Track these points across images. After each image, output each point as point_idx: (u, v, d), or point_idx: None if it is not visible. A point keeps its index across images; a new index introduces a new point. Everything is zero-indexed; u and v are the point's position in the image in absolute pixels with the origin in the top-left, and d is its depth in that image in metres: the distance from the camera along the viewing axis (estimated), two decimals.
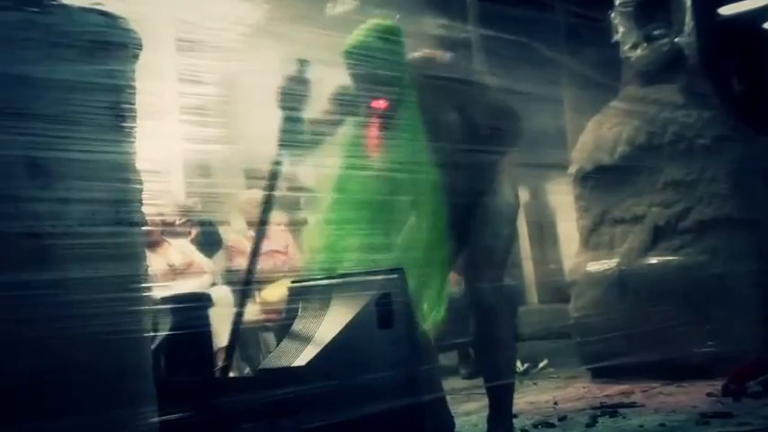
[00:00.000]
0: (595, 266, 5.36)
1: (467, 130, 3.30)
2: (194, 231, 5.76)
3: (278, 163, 3.45)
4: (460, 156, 3.27)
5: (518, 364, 6.06)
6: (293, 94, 3.34)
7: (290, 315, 3.00)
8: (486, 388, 3.42)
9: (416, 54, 3.41)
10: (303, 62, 3.35)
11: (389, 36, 3.35)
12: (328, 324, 2.82)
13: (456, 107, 3.31)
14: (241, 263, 5.84)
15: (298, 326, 2.91)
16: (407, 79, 3.31)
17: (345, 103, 3.43)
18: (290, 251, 5.97)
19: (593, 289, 5.32)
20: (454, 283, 3.79)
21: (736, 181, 5.02)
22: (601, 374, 5.16)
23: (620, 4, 5.56)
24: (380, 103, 3.34)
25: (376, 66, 3.29)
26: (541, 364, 6.09)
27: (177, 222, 5.59)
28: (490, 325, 3.35)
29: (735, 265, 4.90)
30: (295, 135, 3.42)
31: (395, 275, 2.93)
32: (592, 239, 5.49)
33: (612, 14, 5.60)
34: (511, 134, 3.42)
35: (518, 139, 3.46)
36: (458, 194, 3.29)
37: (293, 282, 3.24)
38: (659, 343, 4.84)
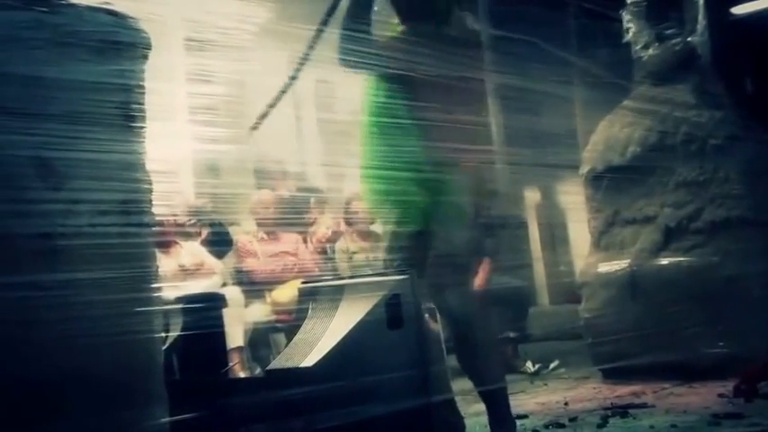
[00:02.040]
0: (607, 267, 5.34)
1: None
2: (205, 232, 5.76)
3: None
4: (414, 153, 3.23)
5: (529, 364, 6.06)
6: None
7: (301, 316, 3.00)
8: (478, 393, 3.38)
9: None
10: None
11: None
12: (338, 325, 2.82)
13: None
14: (251, 263, 5.86)
15: (307, 326, 2.91)
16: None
17: None
18: (299, 252, 5.97)
19: (605, 290, 5.30)
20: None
21: (748, 181, 4.99)
22: (612, 375, 5.13)
23: (632, 3, 5.54)
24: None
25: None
26: (552, 365, 6.07)
27: (188, 223, 5.59)
28: (465, 332, 3.30)
29: (747, 265, 4.87)
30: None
31: (404, 277, 2.92)
32: (603, 240, 5.47)
33: (624, 14, 5.58)
34: (475, 129, 3.35)
35: (482, 136, 3.42)
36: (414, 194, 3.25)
37: (303, 282, 3.23)
38: (670, 344, 4.81)
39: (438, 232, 3.28)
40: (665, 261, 5.11)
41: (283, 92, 3.44)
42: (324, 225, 6.14)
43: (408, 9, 3.40)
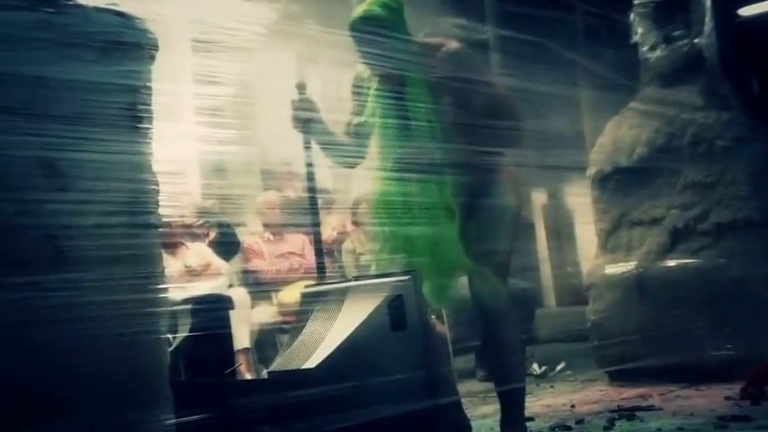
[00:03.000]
0: (613, 269, 5.33)
1: (465, 126, 3.28)
2: (212, 233, 5.76)
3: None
4: (458, 154, 3.25)
5: (535, 366, 6.05)
6: (304, 118, 3.38)
7: (306, 317, 3.00)
8: (497, 392, 3.40)
9: (427, 39, 3.40)
10: (301, 86, 3.40)
11: (392, 6, 3.34)
12: (341, 326, 2.82)
13: (456, 101, 3.30)
14: (257, 264, 5.86)
15: (310, 328, 2.91)
16: (414, 60, 3.31)
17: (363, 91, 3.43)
18: (306, 253, 5.97)
19: (612, 292, 5.29)
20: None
21: (755, 183, 4.98)
22: (618, 377, 5.12)
23: (639, 4, 5.53)
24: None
25: (381, 36, 3.29)
26: (559, 367, 6.06)
27: (196, 224, 5.60)
28: (495, 329, 3.33)
29: (754, 267, 4.85)
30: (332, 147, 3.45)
31: (407, 278, 2.92)
32: (610, 242, 5.46)
33: (631, 15, 5.57)
34: (511, 134, 3.38)
35: (519, 140, 3.43)
36: (457, 195, 3.28)
37: (307, 285, 3.24)
38: (677, 346, 4.80)
39: (484, 230, 3.31)
40: (671, 263, 5.09)
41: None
42: (329, 226, 6.13)
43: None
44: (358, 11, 3.34)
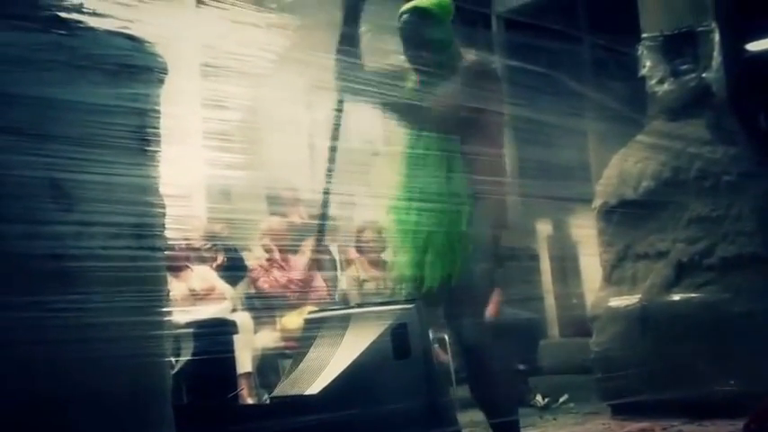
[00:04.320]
0: (618, 302, 5.31)
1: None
2: (220, 257, 5.76)
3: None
4: (434, 183, 3.26)
5: (539, 397, 6.02)
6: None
7: (309, 343, 2.99)
8: (490, 425, 3.37)
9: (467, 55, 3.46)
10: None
11: (444, 10, 3.43)
12: (344, 353, 2.81)
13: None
14: (261, 289, 5.86)
15: (313, 354, 2.91)
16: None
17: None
18: (311, 278, 5.96)
19: (616, 324, 5.27)
20: None
21: (761, 219, 4.97)
22: (621, 411, 5.09)
23: (648, 38, 5.55)
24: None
25: (428, 33, 3.38)
26: (561, 399, 6.02)
27: (203, 248, 5.60)
28: (477, 362, 3.30)
29: (759, 303, 4.83)
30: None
31: (411, 306, 2.92)
32: (614, 274, 5.44)
33: (639, 48, 5.59)
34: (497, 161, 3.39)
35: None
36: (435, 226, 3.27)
37: (311, 311, 3.24)
38: (681, 381, 4.77)
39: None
40: (676, 297, 5.08)
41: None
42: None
43: (415, 59, 3.46)
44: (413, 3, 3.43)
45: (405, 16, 3.44)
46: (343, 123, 3.61)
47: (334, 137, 3.51)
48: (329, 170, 3.47)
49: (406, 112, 3.39)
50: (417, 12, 3.42)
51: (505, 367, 3.54)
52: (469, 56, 3.45)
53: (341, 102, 3.57)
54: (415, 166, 3.35)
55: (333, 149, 3.45)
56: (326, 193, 3.49)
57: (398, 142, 3.44)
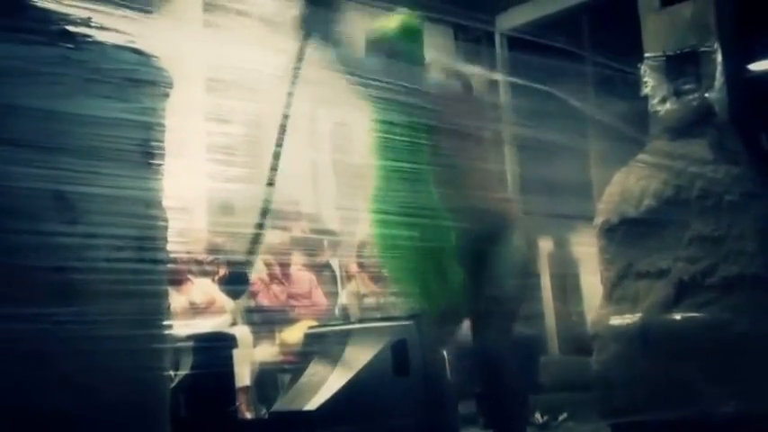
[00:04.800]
0: (618, 320, 5.30)
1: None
2: (222, 270, 5.76)
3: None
4: (469, 199, 3.27)
5: (537, 415, 6.00)
6: None
7: (308, 358, 2.99)
8: None
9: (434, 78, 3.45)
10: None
11: (411, 31, 3.42)
12: (343, 369, 2.81)
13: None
14: (262, 303, 5.86)
15: (312, 369, 2.90)
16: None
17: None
18: (312, 293, 5.97)
19: (616, 342, 5.26)
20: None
21: (763, 239, 4.96)
22: (621, 430, 5.07)
23: (650, 57, 5.57)
24: None
25: (397, 55, 3.34)
26: (561, 417, 6.01)
27: (206, 261, 5.61)
28: (496, 377, 3.31)
29: (760, 323, 4.82)
30: None
31: (411, 322, 2.92)
32: (615, 292, 5.43)
33: (642, 68, 5.61)
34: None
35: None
36: (467, 241, 3.28)
37: (311, 327, 3.23)
38: (681, 400, 4.76)
39: (493, 277, 3.31)
40: (677, 316, 5.07)
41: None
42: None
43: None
44: (377, 27, 3.43)
45: (372, 36, 3.44)
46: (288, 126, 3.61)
47: (279, 143, 3.50)
48: (270, 180, 3.47)
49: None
50: (385, 32, 3.43)
51: (521, 385, 3.55)
52: (439, 75, 3.46)
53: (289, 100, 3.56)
54: (399, 179, 3.35)
55: (276, 156, 3.45)
56: (266, 205, 3.49)
57: (384, 155, 3.43)
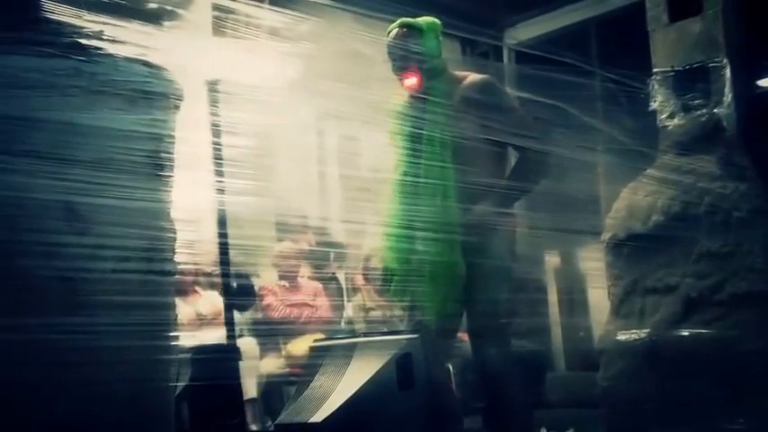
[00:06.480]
0: (626, 336, 5.28)
1: (494, 158, 3.33)
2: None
3: None
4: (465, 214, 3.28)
5: (543, 431, 5.97)
6: None
7: (314, 371, 2.99)
8: None
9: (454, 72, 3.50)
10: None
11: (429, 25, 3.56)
12: (348, 382, 2.81)
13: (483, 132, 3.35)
14: (269, 315, 5.86)
15: (318, 382, 2.90)
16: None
17: None
18: (318, 304, 5.97)
19: (623, 359, 5.24)
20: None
21: None
22: None
23: (659, 72, 5.57)
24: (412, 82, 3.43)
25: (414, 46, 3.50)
26: None
27: (214, 273, 5.61)
28: (499, 391, 3.30)
29: None
30: None
31: (416, 336, 2.91)
32: (623, 308, 5.42)
33: (650, 83, 5.61)
34: (540, 163, 3.42)
35: (547, 171, 3.47)
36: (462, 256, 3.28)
37: (317, 339, 3.24)
38: (689, 417, 4.74)
39: (484, 292, 3.31)
40: (685, 332, 5.05)
41: None
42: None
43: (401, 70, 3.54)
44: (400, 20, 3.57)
45: (393, 31, 3.53)
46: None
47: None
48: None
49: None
50: (404, 26, 3.56)
51: (526, 400, 3.54)
52: (468, 74, 3.50)
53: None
54: (409, 194, 3.37)
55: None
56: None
57: (395, 170, 3.46)
